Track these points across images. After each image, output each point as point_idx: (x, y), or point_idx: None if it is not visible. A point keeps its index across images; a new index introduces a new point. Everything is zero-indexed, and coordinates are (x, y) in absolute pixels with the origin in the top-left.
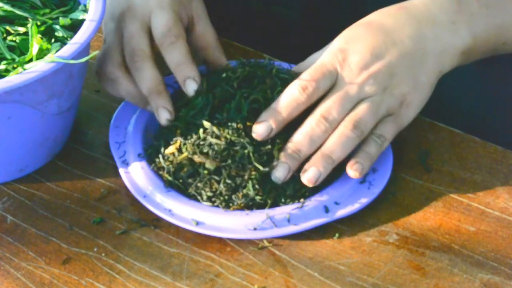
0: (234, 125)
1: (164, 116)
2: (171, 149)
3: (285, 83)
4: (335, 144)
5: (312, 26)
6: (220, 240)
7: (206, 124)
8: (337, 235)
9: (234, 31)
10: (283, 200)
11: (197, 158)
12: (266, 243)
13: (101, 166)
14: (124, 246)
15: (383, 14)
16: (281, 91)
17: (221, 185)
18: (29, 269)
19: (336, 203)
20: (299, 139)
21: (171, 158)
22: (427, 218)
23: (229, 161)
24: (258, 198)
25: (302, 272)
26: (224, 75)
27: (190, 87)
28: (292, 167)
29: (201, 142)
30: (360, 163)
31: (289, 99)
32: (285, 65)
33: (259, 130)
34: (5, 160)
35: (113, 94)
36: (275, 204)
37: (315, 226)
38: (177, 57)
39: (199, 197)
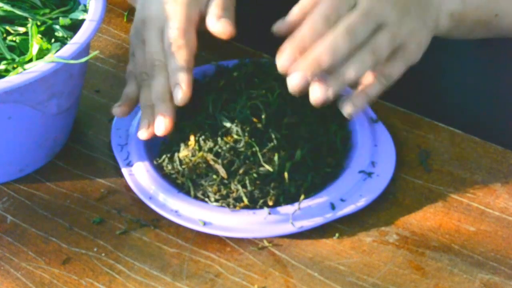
0: (240, 123)
1: (160, 125)
2: (185, 152)
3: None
4: (349, 69)
5: None
6: (220, 240)
7: (226, 124)
8: (337, 235)
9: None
10: (286, 199)
11: (210, 158)
12: (266, 243)
13: (101, 166)
14: (124, 246)
15: None
16: (280, 94)
17: (232, 186)
18: (29, 269)
19: (342, 200)
20: (320, 50)
21: (186, 160)
22: (427, 218)
23: (237, 162)
24: (259, 195)
25: (302, 272)
26: (235, 73)
27: (176, 93)
28: (309, 78)
29: (215, 143)
30: (355, 104)
31: (310, 29)
32: None
33: (285, 58)
34: (5, 160)
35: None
36: (278, 203)
37: (321, 224)
38: (173, 65)
39: (207, 199)
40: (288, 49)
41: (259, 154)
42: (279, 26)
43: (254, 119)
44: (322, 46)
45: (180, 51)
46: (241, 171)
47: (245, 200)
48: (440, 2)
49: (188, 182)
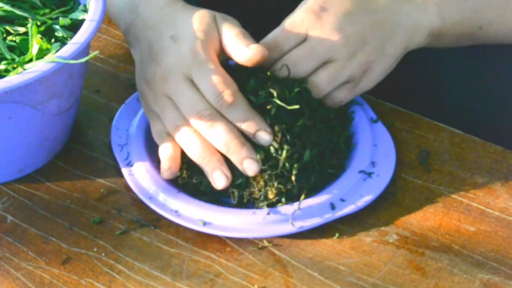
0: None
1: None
2: None
3: (300, 83)
4: None
5: None
6: (220, 240)
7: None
8: (337, 235)
9: None
10: (287, 199)
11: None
12: (266, 243)
13: (101, 166)
14: (124, 246)
15: None
16: (299, 92)
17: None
18: (29, 269)
19: (342, 200)
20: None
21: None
22: (427, 218)
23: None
24: (260, 194)
25: (302, 272)
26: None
27: (264, 138)
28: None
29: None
30: None
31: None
32: None
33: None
34: (5, 160)
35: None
36: (279, 202)
37: (321, 224)
38: (242, 114)
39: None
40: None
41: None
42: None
43: (268, 106)
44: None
45: (236, 100)
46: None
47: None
48: (414, 22)
49: (190, 180)
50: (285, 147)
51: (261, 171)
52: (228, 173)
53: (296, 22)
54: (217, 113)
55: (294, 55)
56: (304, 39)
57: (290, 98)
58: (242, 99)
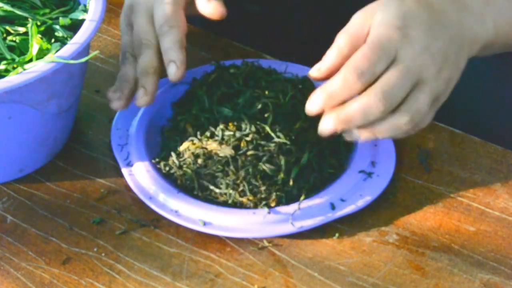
0: (245, 119)
1: (139, 95)
2: (185, 144)
3: (294, 86)
4: (386, 132)
5: (312, 25)
6: (220, 240)
7: (226, 111)
8: (337, 235)
9: (234, 31)
10: (287, 200)
11: (213, 146)
12: (266, 243)
13: (101, 166)
14: (124, 246)
15: None
16: (293, 96)
17: (239, 173)
18: (29, 269)
19: (342, 200)
20: (353, 111)
21: (186, 153)
22: (427, 218)
23: (242, 151)
24: (262, 195)
25: (302, 272)
26: (232, 70)
27: (171, 70)
28: (337, 130)
29: (216, 132)
30: (362, 138)
31: (343, 85)
32: (283, 64)
33: (313, 108)
34: (5, 160)
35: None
36: (279, 204)
37: (321, 224)
38: (166, 44)
39: (212, 186)
40: (317, 99)
41: (273, 134)
42: (314, 73)
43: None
44: (355, 105)
45: (172, 30)
46: (249, 153)
47: (249, 194)
48: (475, 34)
49: (191, 175)
50: (282, 158)
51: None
52: (149, 88)
53: (383, 40)
54: (152, 47)
55: (391, 77)
56: (393, 59)
57: (285, 103)
58: (176, 32)
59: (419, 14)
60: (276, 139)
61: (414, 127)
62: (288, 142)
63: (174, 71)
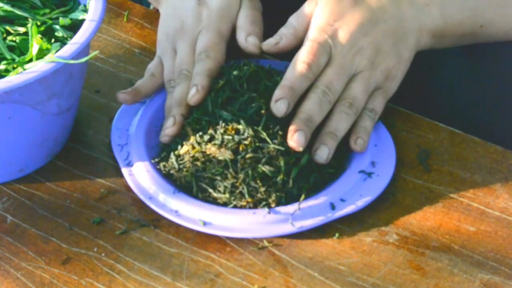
0: (243, 122)
1: (168, 128)
2: (185, 148)
3: None
4: (337, 122)
5: None
6: (220, 240)
7: (225, 114)
8: (337, 235)
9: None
10: (287, 200)
11: (212, 150)
12: (266, 243)
13: (101, 166)
14: (124, 246)
15: None
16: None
17: (238, 175)
18: (29, 269)
19: (342, 200)
20: (311, 107)
21: (186, 157)
22: (427, 218)
23: (241, 155)
24: (262, 196)
25: (302, 272)
26: (235, 72)
27: (191, 92)
28: (307, 134)
29: (216, 136)
30: (361, 137)
31: (298, 75)
32: (282, 64)
33: (280, 108)
34: (5, 160)
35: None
36: (279, 204)
37: (321, 224)
38: (197, 69)
39: (211, 189)
40: (281, 96)
41: (268, 139)
42: (271, 47)
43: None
44: (310, 104)
45: (207, 60)
46: (248, 156)
47: (248, 197)
48: (420, 25)
49: (190, 178)
50: (282, 159)
51: (262, 185)
52: (178, 119)
53: (319, 38)
54: (190, 77)
55: (329, 75)
56: (330, 55)
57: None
58: (210, 62)
59: (351, 13)
60: (271, 146)
61: (354, 112)
62: (282, 149)
63: (193, 93)
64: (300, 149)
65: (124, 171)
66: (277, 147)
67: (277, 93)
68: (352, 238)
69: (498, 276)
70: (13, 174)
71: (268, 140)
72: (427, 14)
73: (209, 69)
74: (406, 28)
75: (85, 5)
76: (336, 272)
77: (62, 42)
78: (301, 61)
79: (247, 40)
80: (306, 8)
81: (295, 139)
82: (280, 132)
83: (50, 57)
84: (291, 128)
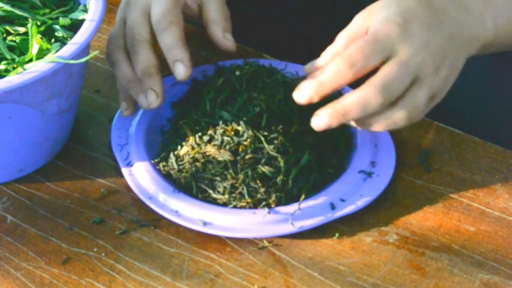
0: (242, 123)
1: (150, 98)
2: (185, 149)
3: (289, 90)
4: (381, 126)
5: (311, 25)
6: (220, 240)
7: (226, 115)
8: (337, 235)
9: (234, 31)
10: (287, 200)
11: (211, 151)
12: (266, 243)
13: (101, 166)
14: (124, 246)
15: None
16: (281, 100)
17: (238, 176)
18: (29, 269)
19: (342, 200)
20: (350, 103)
21: (186, 158)
22: (427, 218)
23: (240, 156)
24: (262, 197)
25: (302, 272)
26: (238, 73)
27: (178, 70)
28: (333, 125)
29: (215, 137)
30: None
31: (334, 73)
32: (282, 64)
33: (302, 96)
34: (5, 160)
35: (118, 79)
36: (279, 204)
37: (321, 224)
38: (168, 41)
39: (210, 190)
40: (306, 88)
41: (265, 144)
42: (309, 68)
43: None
44: (353, 97)
45: (172, 26)
46: (247, 156)
47: (247, 198)
48: (474, 34)
49: (190, 179)
50: (281, 160)
51: (262, 185)
52: (158, 90)
53: (380, 35)
54: (146, 43)
55: (391, 70)
56: (390, 54)
57: (275, 108)
58: (176, 29)
59: (419, 12)
60: (269, 149)
61: (408, 122)
62: (277, 155)
63: (183, 70)
64: (316, 129)
65: (124, 171)
66: (273, 153)
67: (306, 84)
68: (352, 238)
69: (498, 276)
70: (13, 174)
71: (266, 146)
72: (482, 23)
73: (180, 38)
74: (463, 35)
75: (85, 5)
76: (336, 272)
77: (62, 42)
78: (346, 57)
79: (225, 36)
80: (355, 20)
81: (315, 120)
82: (281, 131)
83: (50, 57)
84: (321, 109)
